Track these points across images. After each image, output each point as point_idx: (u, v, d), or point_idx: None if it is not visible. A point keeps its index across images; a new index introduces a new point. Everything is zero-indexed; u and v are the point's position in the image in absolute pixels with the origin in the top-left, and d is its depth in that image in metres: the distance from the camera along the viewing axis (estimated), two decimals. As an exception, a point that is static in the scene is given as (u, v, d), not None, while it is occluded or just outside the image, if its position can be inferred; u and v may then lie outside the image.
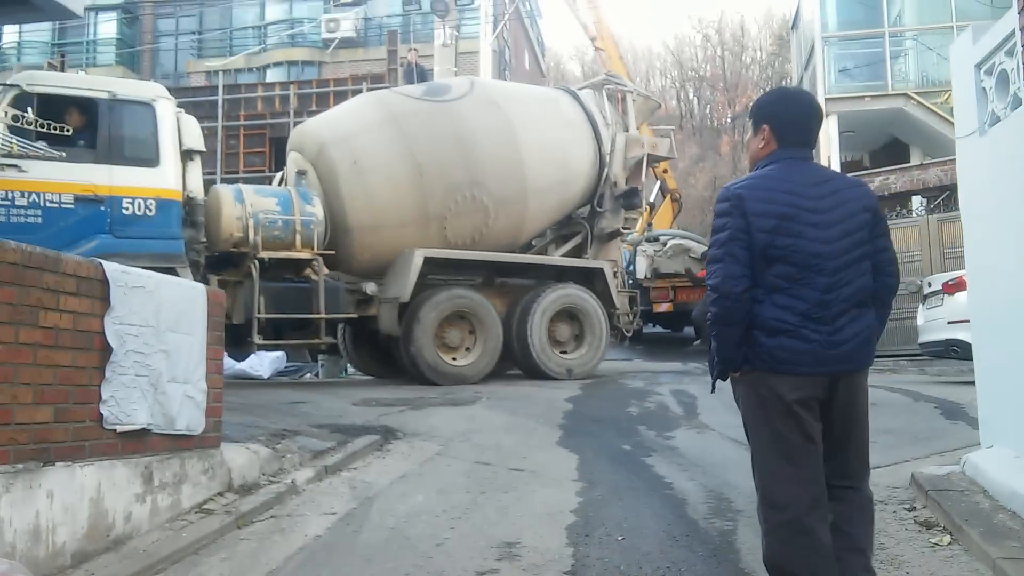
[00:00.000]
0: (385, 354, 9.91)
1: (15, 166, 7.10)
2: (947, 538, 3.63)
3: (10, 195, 7.09)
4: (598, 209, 10.65)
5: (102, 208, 7.44)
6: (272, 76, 24.60)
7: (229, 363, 11.54)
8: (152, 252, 7.50)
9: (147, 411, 3.86)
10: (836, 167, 15.88)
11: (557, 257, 10.64)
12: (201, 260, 8.12)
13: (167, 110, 7.94)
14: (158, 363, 3.95)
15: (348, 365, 11.61)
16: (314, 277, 8.75)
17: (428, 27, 20.37)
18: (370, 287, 9.07)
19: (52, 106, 7.32)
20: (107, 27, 27.17)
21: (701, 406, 7.40)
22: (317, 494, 4.60)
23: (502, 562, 3.43)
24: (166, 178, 7.79)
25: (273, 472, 4.85)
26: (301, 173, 9.20)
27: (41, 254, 3.33)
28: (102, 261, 3.73)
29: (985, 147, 4.31)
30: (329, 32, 24.97)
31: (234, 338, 8.43)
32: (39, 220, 7.19)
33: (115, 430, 3.66)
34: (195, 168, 8.03)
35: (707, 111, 55.47)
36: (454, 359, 9.22)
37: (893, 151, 18.45)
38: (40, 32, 27.04)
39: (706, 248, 14.16)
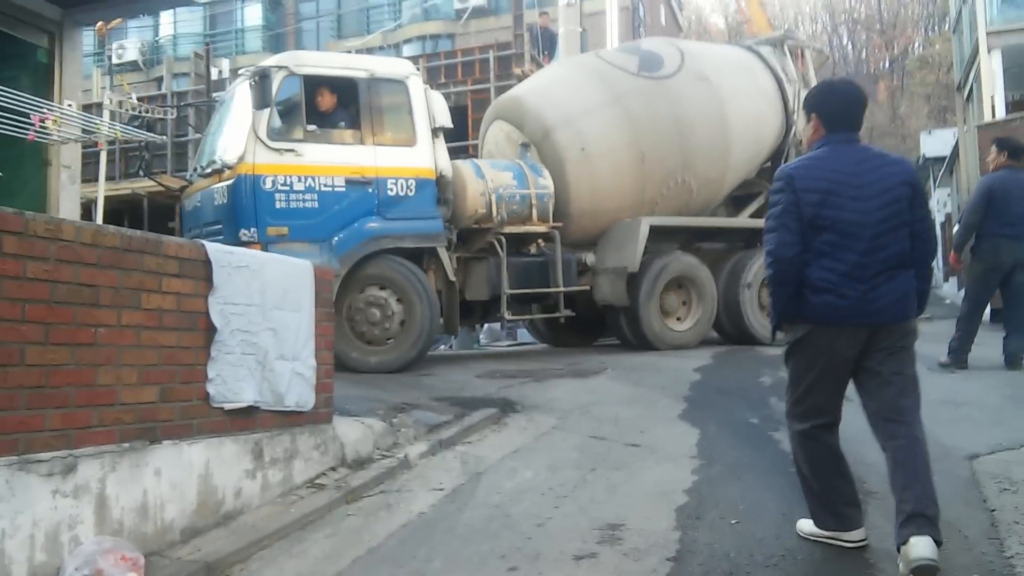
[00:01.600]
0: (563, 324, 9.57)
1: (292, 151, 7.18)
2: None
3: (288, 180, 7.16)
4: None
5: (370, 190, 7.47)
6: (408, 51, 24.98)
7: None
8: (417, 232, 7.67)
9: (255, 388, 3.92)
10: (1000, 108, 14.34)
11: (732, 219, 10.52)
12: (453, 238, 8.19)
13: (418, 87, 7.95)
14: (265, 341, 4.01)
15: (480, 337, 11.65)
16: (544, 250, 8.78)
17: (557, -11, 20.05)
18: (589, 258, 9.08)
19: (316, 87, 7.45)
20: (253, 15, 28.42)
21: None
22: (428, 469, 4.58)
23: (603, 545, 3.26)
24: (423, 157, 7.79)
25: (387, 447, 4.87)
26: (525, 146, 9.06)
27: (142, 238, 3.41)
28: (204, 242, 3.80)
29: None
30: (461, 3, 25.09)
31: (470, 314, 8.78)
32: (315, 204, 7.27)
33: (223, 408, 3.73)
34: (442, 145, 8.04)
35: (863, 56, 52.10)
36: (674, 326, 9.21)
37: (1068, 87, 16.56)
38: (193, 23, 28.62)
39: None
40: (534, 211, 8.51)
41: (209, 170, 7.47)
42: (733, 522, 3.45)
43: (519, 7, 13.76)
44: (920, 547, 2.73)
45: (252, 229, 7.02)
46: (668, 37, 11.47)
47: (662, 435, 5.08)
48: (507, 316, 8.48)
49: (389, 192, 7.55)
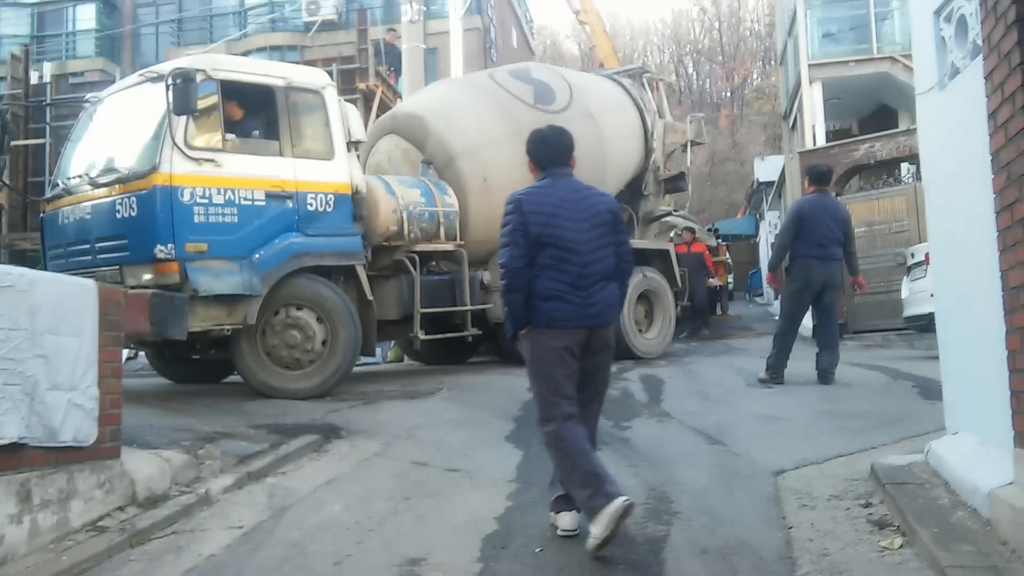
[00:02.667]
0: (452, 343, 9.58)
1: (212, 160, 6.60)
2: (899, 540, 3.27)
3: (207, 192, 6.58)
4: (644, 193, 11.00)
5: (290, 205, 6.99)
6: (254, 62, 24.13)
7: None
8: (337, 250, 7.26)
9: (19, 423, 3.51)
10: (821, 137, 15.36)
11: (647, 240, 10.95)
12: (368, 256, 7.76)
13: (334, 98, 7.50)
14: (34, 369, 3.60)
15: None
16: (444, 268, 8.62)
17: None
18: (486, 276, 8.94)
19: (231, 93, 6.87)
20: (85, 16, 26.72)
21: (667, 392, 7.04)
22: (230, 505, 4.25)
23: (399, 583, 3.08)
24: (340, 171, 7.38)
25: (188, 481, 4.50)
26: (427, 163, 8.80)
27: None
28: (-43, 260, 3.37)
29: (944, 103, 3.91)
30: (310, 15, 24.50)
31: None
32: (235, 219, 6.72)
33: (-23, 446, 3.31)
34: (355, 160, 7.64)
35: (706, 85, 54.81)
36: None
37: (882, 118, 17.89)
38: (19, 25, 26.64)
39: (689, 224, 13.93)
40: (441, 229, 8.39)
41: (106, 179, 6.72)
42: (537, 550, 3.35)
43: (363, 22, 13.51)
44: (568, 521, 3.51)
45: (169, 245, 6.37)
46: (531, 62, 11.45)
47: (485, 458, 4.96)
48: (420, 335, 8.25)
49: (309, 207, 7.11)
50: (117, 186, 6.62)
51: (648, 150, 10.84)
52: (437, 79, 15.00)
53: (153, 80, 6.84)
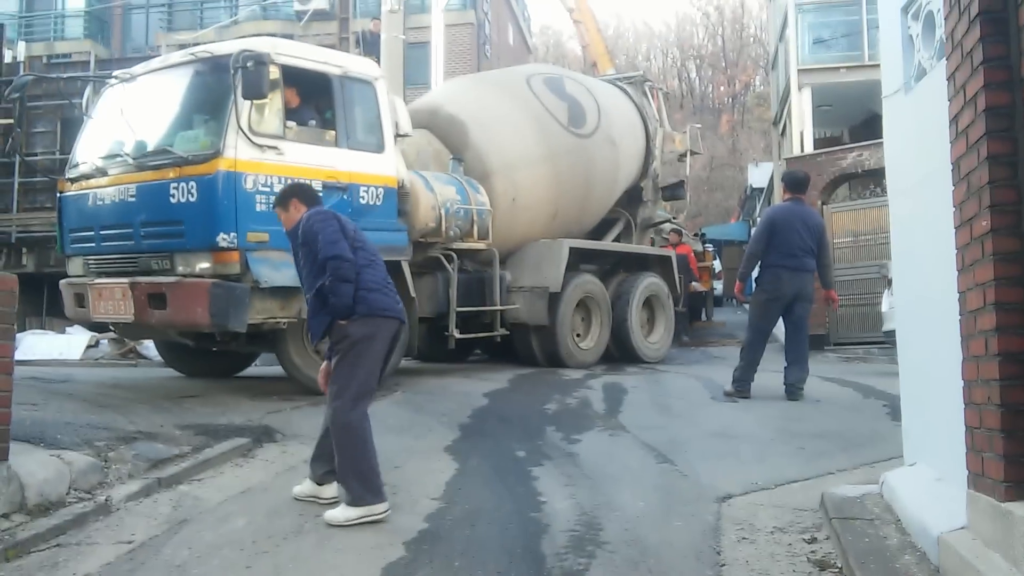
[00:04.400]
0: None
1: (275, 148, 6.40)
2: (838, 585, 2.96)
3: (269, 180, 6.34)
4: (642, 200, 11.10)
5: (345, 197, 6.82)
6: (244, 50, 23.75)
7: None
8: (387, 244, 6.87)
9: None
10: (809, 143, 15.02)
11: (645, 247, 11.26)
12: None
13: (385, 90, 7.38)
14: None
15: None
16: (467, 267, 8.51)
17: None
18: (507, 276, 8.89)
19: (290, 79, 6.64)
20: (75, -1, 26.31)
21: (628, 403, 6.73)
22: (130, 515, 3.93)
23: (277, 617, 2.77)
24: (389, 165, 7.28)
25: (90, 487, 4.19)
26: (459, 160, 8.68)
27: None
28: None
29: (910, 107, 3.60)
30: (302, 4, 24.11)
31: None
32: None
33: None
34: (400, 154, 7.52)
35: (708, 90, 54.50)
36: (579, 345, 9.35)
37: (873, 126, 17.52)
38: (6, 2, 26.18)
39: (675, 227, 13.66)
40: (475, 227, 8.29)
41: (159, 161, 6.42)
42: (440, 583, 3.04)
43: (344, 10, 13.18)
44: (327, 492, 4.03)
45: (232, 233, 6.15)
46: (563, 72, 11.38)
47: (415, 471, 4.64)
48: (456, 334, 8.09)
49: (361, 200, 6.98)
50: (172, 169, 6.32)
51: (649, 159, 11.00)
52: (427, 74, 14.69)
53: (204, 61, 6.67)
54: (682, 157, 12.06)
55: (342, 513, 3.72)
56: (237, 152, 6.22)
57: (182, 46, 23.11)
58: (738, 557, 3.29)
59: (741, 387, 6.81)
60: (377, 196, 7.12)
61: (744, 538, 3.53)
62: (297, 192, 4.29)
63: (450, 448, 5.18)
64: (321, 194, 6.62)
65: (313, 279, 3.90)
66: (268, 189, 6.30)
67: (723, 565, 3.22)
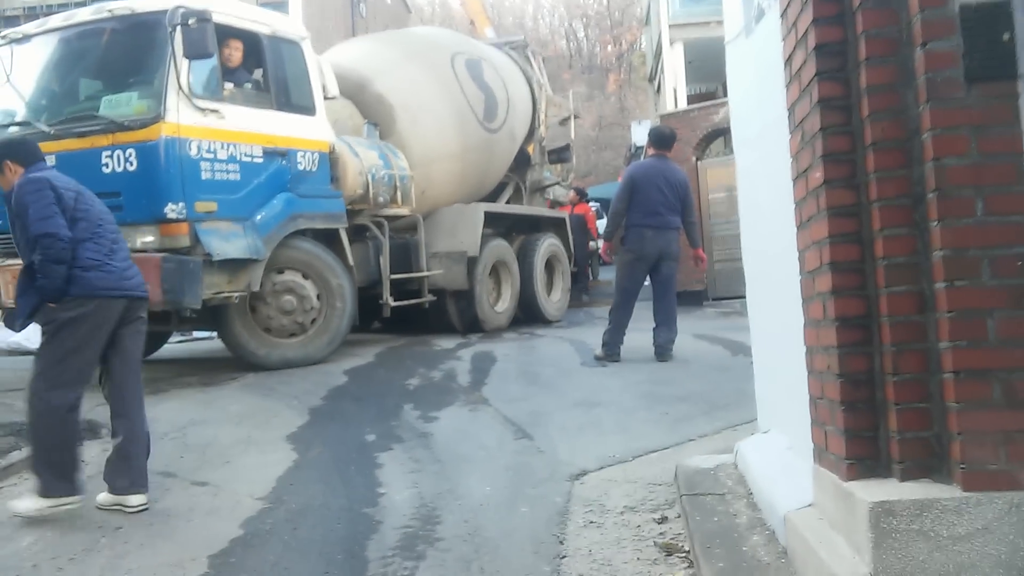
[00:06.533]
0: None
1: (216, 111, 6.07)
2: (682, 573, 2.73)
3: (212, 146, 6.04)
4: (531, 164, 11.19)
5: (284, 163, 6.59)
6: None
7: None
8: (324, 212, 6.92)
9: None
10: (683, 99, 15.02)
11: (545, 209, 11.60)
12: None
13: (311, 50, 6.96)
14: None
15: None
16: (380, 236, 8.08)
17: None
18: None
19: (225, 39, 6.30)
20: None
21: (494, 373, 6.44)
22: None
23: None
24: (322, 128, 7.03)
25: None
26: (374, 125, 8.36)
27: None
28: None
29: (751, 52, 3.34)
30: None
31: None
32: (238, 177, 6.24)
33: None
34: (326, 117, 7.11)
35: (595, 49, 54.51)
36: (495, 308, 9.38)
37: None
38: None
39: (577, 186, 13.79)
40: (398, 193, 8.04)
41: (89, 127, 5.84)
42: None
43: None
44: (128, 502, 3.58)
45: (180, 203, 5.81)
46: (481, 43, 11.21)
47: (246, 466, 4.22)
48: (390, 302, 7.83)
49: (299, 166, 6.70)
50: (105, 137, 5.83)
51: (535, 124, 11.07)
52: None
53: (124, 18, 6.14)
54: (565, 121, 12.22)
55: (31, 503, 3.49)
56: (179, 116, 5.87)
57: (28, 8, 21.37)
58: (581, 546, 3.03)
59: (610, 351, 6.62)
60: (313, 162, 6.88)
61: (592, 522, 3.27)
62: (9, 151, 3.73)
63: (293, 436, 4.76)
64: (262, 161, 6.40)
65: (28, 254, 3.52)
66: (212, 156, 6.05)
67: (563, 557, 2.94)
